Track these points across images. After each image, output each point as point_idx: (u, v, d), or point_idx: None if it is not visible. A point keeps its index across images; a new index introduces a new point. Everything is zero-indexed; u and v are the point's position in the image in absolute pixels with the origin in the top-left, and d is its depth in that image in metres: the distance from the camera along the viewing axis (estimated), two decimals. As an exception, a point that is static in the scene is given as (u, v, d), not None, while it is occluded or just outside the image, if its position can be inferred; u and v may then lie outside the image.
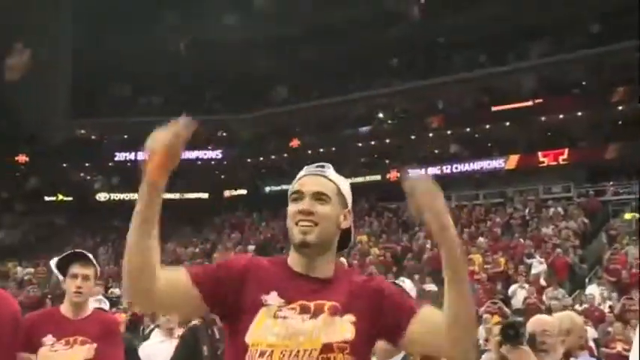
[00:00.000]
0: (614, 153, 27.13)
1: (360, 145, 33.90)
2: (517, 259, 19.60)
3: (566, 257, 19.16)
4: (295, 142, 34.96)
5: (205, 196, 36.86)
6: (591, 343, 11.49)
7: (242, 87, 35.70)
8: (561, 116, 29.48)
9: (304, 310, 2.25)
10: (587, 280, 18.66)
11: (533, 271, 18.18)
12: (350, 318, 2.26)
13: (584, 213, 23.31)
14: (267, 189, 35.34)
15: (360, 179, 31.39)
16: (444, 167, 30.76)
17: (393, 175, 31.13)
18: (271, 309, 2.24)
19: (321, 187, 2.39)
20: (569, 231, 21.25)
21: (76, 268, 4.17)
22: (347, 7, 31.43)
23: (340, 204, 2.41)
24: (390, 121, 33.76)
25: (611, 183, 26.25)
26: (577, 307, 14.65)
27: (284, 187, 34.29)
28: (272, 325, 2.22)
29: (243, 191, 36.33)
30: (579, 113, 28.99)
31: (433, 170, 29.79)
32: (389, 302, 2.34)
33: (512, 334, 3.64)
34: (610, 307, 14.65)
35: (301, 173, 2.46)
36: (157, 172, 2.13)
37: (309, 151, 34.57)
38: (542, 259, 18.91)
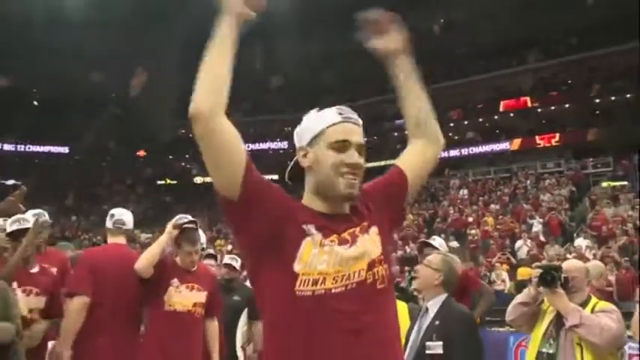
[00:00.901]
0: (593, 136, 27.08)
1: (396, 134, 33.51)
2: (521, 220, 19.50)
3: (559, 217, 18.96)
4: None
5: (276, 177, 37.23)
6: None
7: (298, 90, 35.56)
8: (553, 108, 29.39)
9: (342, 241, 1.85)
10: (575, 234, 18.27)
11: (534, 229, 18.07)
12: (374, 230, 1.94)
13: (572, 183, 23.19)
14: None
15: (394, 161, 32.16)
16: (462, 150, 30.83)
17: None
18: (316, 239, 1.82)
19: (363, 139, 2.00)
20: (561, 197, 21.20)
21: (189, 247, 4.32)
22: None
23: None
24: (414, 116, 33.81)
25: (591, 159, 25.90)
26: (568, 255, 14.15)
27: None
28: (320, 253, 1.81)
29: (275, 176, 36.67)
30: (567, 105, 28.93)
31: (454, 152, 30.36)
32: (386, 193, 2.07)
33: (549, 279, 3.46)
34: (593, 254, 14.35)
35: (335, 117, 1.95)
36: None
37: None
38: (541, 220, 18.80)
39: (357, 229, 1.90)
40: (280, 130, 37.21)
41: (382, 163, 32.50)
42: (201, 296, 4.38)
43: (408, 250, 18.17)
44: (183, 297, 4.30)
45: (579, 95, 28.50)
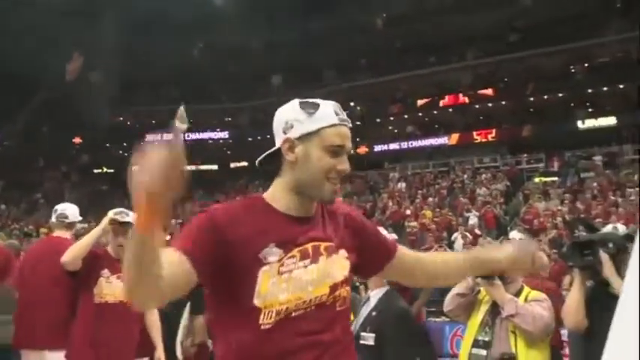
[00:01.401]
0: (527, 132, 27.80)
1: (337, 127, 34.15)
2: (458, 213, 19.75)
3: (494, 211, 19.33)
4: (287, 124, 35.26)
5: (215, 167, 36.77)
6: None
7: (243, 81, 35.50)
8: (490, 105, 29.97)
9: (304, 256, 1.78)
10: (509, 227, 17.73)
11: (470, 222, 18.28)
12: (344, 253, 1.88)
13: (507, 178, 23.60)
14: (264, 162, 35.58)
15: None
16: (402, 144, 31.20)
17: (362, 149, 31.43)
18: (273, 267, 1.73)
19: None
20: (496, 191, 21.55)
21: (123, 241, 4.19)
22: (328, 18, 31.52)
23: None
24: (358, 108, 33.63)
25: (525, 155, 26.57)
26: None
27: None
28: (278, 282, 1.73)
29: (245, 163, 35.81)
30: (503, 102, 29.68)
31: (394, 146, 30.86)
32: (371, 241, 2.02)
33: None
34: None
35: (333, 117, 1.84)
36: (149, 221, 1.45)
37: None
38: (477, 213, 19.12)
39: (323, 245, 1.84)
40: (221, 120, 36.83)
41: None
42: None
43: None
44: (114, 287, 4.20)
45: (515, 93, 29.25)
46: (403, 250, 2.12)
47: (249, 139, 36.46)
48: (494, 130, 28.84)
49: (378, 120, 32.41)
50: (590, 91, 27.57)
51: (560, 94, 28.21)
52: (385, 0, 30.58)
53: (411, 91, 32.10)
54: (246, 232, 1.75)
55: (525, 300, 3.57)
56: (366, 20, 31.70)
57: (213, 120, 36.74)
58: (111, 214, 4.31)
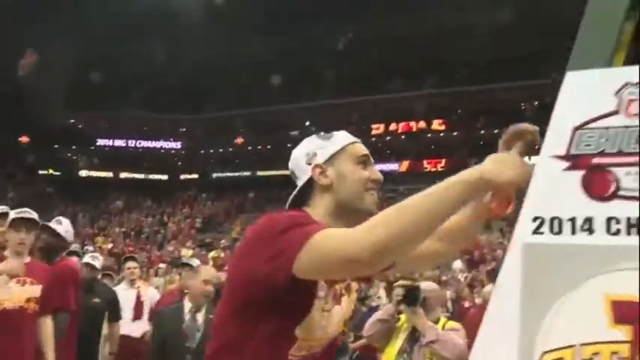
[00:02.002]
0: (476, 164, 28.52)
1: (289, 145, 34.18)
2: None
3: None
4: (240, 140, 35.31)
5: (165, 177, 36.43)
6: (449, 302, 12.96)
7: (199, 92, 35.46)
8: (442, 135, 30.87)
9: (335, 297, 1.78)
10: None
11: None
12: (355, 286, 1.90)
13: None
14: (215, 175, 35.36)
15: (287, 172, 32.01)
16: None
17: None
18: (320, 302, 1.70)
19: None
20: None
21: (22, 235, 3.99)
22: (291, 37, 31.82)
23: None
24: (313, 129, 34.22)
25: None
26: (443, 277, 14.17)
27: (228, 174, 35.03)
28: (319, 319, 1.70)
29: (196, 175, 36.03)
30: (455, 133, 30.54)
31: None
32: None
33: (412, 298, 3.65)
34: (465, 277, 14.85)
35: (351, 136, 1.89)
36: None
37: (250, 148, 35.28)
38: None
39: (354, 287, 1.86)
40: (175, 130, 36.55)
41: (274, 172, 33.02)
42: (34, 290, 4.02)
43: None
44: (12, 293, 3.95)
45: (467, 125, 29.98)
46: None
47: (202, 151, 36.33)
48: (444, 160, 29.48)
49: (330, 142, 32.47)
50: (538, 128, 28.25)
51: (510, 130, 29.02)
52: (349, 24, 30.98)
53: (366, 116, 32.50)
54: None
55: (443, 328, 3.74)
56: (327, 42, 32.05)
57: (166, 129, 36.46)
58: (13, 214, 4.10)
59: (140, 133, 36.42)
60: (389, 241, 1.44)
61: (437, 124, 30.81)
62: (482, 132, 29.67)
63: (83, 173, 35.62)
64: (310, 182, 1.85)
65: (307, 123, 33.55)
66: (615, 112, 1.26)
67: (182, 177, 36.21)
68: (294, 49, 32.12)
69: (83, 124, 36.93)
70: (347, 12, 29.58)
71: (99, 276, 6.18)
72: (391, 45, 30.00)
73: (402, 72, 30.84)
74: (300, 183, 1.88)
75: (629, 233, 1.18)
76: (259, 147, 35.11)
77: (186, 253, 20.59)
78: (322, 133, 1.92)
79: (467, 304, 11.27)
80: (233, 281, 1.75)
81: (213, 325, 1.86)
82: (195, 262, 5.89)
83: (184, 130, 37.07)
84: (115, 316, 5.67)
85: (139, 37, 31.22)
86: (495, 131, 29.07)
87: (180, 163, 36.92)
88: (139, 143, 36.63)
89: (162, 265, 15.57)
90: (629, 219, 1.18)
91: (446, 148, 30.36)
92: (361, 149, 1.85)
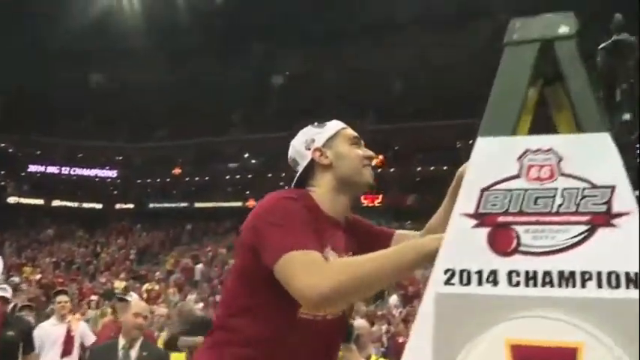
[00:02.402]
0: (412, 201, 28.96)
1: (227, 177, 34.03)
2: None
3: None
4: (177, 170, 34.96)
5: (99, 206, 35.54)
6: (384, 337, 13.04)
7: (137, 121, 35.03)
8: (379, 170, 31.50)
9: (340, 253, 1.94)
10: (386, 292, 18.34)
11: None
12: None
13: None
14: (151, 205, 34.81)
15: (225, 204, 31.88)
16: None
17: (250, 202, 31.61)
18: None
19: None
20: None
21: None
22: (234, 66, 31.93)
23: None
24: (253, 161, 34.25)
25: (409, 222, 27.62)
26: (378, 312, 14.99)
27: (165, 205, 34.53)
28: None
29: (131, 205, 35.35)
30: (392, 169, 30.98)
31: None
32: (370, 234, 2.19)
33: (348, 335, 3.61)
34: (400, 312, 15.19)
35: (341, 123, 2.15)
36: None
37: (187, 178, 34.96)
38: None
39: (347, 256, 1.96)
40: (111, 159, 35.94)
41: (212, 204, 32.82)
42: None
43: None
44: None
45: (403, 162, 30.57)
46: (400, 232, 2.29)
47: (139, 180, 35.75)
48: (380, 196, 29.74)
49: (270, 175, 32.63)
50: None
51: (446, 167, 29.77)
52: (290, 58, 31.39)
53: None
54: (314, 227, 1.81)
55: (374, 365, 3.78)
56: (269, 75, 32.38)
57: (102, 157, 35.80)
58: None
59: (75, 160, 35.65)
60: (341, 290, 1.60)
61: (374, 160, 31.30)
62: (419, 169, 30.35)
63: (11, 200, 34.34)
64: (311, 165, 2.06)
65: (246, 155, 33.59)
66: (517, 176, 1.42)
67: (117, 206, 35.44)
68: (235, 80, 32.26)
69: (14, 148, 35.85)
70: (288, 46, 30.01)
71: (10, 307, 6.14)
72: (331, 80, 30.52)
73: (340, 107, 31.30)
74: (300, 169, 2.09)
75: (527, 285, 1.34)
76: (197, 178, 34.84)
77: (119, 284, 20.18)
78: (316, 123, 2.15)
79: (401, 340, 11.42)
80: (243, 247, 1.87)
81: (223, 296, 2.01)
82: (133, 296, 5.87)
83: (121, 158, 36.48)
84: (29, 347, 5.58)
85: (77, 62, 30.82)
86: (431, 168, 29.91)
87: (115, 192, 36.20)
88: (73, 171, 35.81)
89: (94, 297, 15.26)
90: (527, 272, 1.34)
91: (383, 184, 30.83)
92: (352, 132, 2.11)
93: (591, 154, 1.41)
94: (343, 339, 2.16)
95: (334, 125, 2.13)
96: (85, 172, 35.86)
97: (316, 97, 31.49)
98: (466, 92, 28.11)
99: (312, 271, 1.62)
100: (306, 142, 2.09)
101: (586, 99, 1.48)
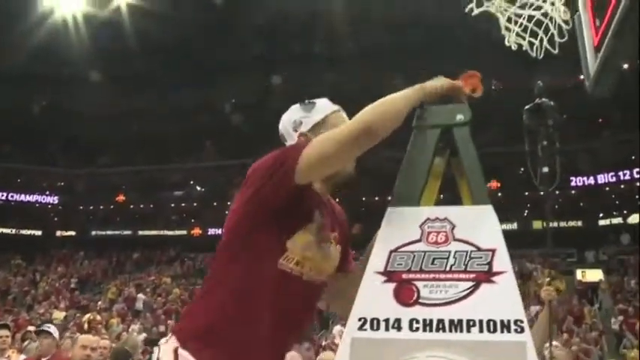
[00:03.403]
0: (358, 230, 29.75)
1: (172, 205, 33.73)
2: None
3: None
4: (121, 197, 34.51)
5: (39, 233, 34.35)
6: None
7: (80, 146, 34.67)
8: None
9: (332, 237, 2.09)
10: (331, 321, 18.90)
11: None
12: (339, 248, 2.16)
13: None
14: (94, 233, 34.10)
15: (170, 232, 31.77)
16: None
17: (196, 231, 31.72)
18: (316, 227, 1.99)
19: None
20: None
21: None
22: (184, 94, 32.00)
23: None
24: (198, 189, 34.16)
25: (354, 251, 28.07)
26: (323, 342, 14.57)
27: (108, 232, 34.00)
28: (311, 242, 1.95)
29: (73, 232, 34.35)
30: (336, 199, 31.57)
31: None
32: (345, 248, 2.26)
33: None
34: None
35: (333, 105, 2.18)
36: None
37: (132, 206, 34.55)
38: None
39: (333, 236, 2.10)
40: (52, 184, 35.28)
41: (156, 232, 32.52)
42: None
43: (171, 323, 18.12)
44: None
45: (349, 190, 30.93)
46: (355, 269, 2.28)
47: (81, 207, 35.13)
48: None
49: (215, 204, 32.59)
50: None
51: (390, 197, 30.36)
52: (239, 85, 31.64)
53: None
54: (311, 193, 1.99)
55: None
56: (216, 102, 32.54)
57: (43, 182, 35.08)
58: None
59: (13, 185, 34.79)
60: (375, 119, 1.84)
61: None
62: (364, 198, 30.86)
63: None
64: None
65: (192, 183, 33.54)
66: (419, 240, 1.76)
67: (58, 233, 34.64)
68: (183, 108, 32.33)
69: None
70: (235, 76, 30.27)
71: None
72: (281, 109, 30.78)
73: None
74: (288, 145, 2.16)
75: (424, 330, 1.66)
76: (142, 205, 34.46)
77: (58, 315, 19.75)
78: (306, 101, 2.18)
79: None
80: (236, 210, 2.01)
81: (217, 248, 2.09)
82: (51, 327, 5.80)
83: (63, 184, 35.82)
84: None
85: (20, 86, 30.36)
86: (376, 198, 30.47)
87: (56, 219, 35.42)
88: (11, 196, 34.91)
89: (31, 328, 14.92)
90: (425, 320, 1.67)
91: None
92: (338, 119, 2.11)
93: (478, 223, 1.75)
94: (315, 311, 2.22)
95: (323, 109, 2.14)
96: (24, 197, 34.96)
97: (264, 126, 31.79)
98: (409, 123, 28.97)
99: (339, 131, 1.88)
100: (294, 123, 2.14)
101: (476, 176, 1.83)
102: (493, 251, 1.70)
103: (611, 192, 28.58)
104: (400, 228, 1.79)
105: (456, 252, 1.72)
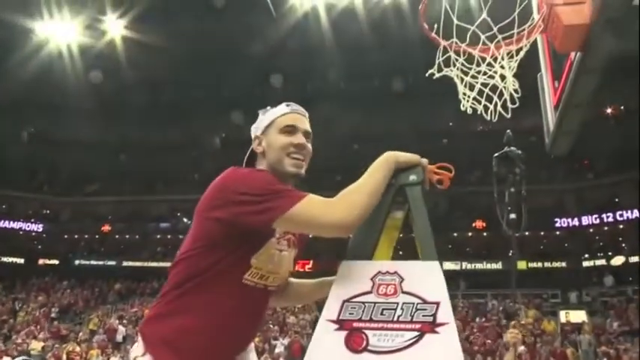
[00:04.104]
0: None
1: (159, 237, 33.65)
2: (265, 340, 19.65)
3: (300, 341, 19.30)
4: (107, 227, 34.41)
5: (21, 261, 34.10)
6: None
7: (67, 175, 34.84)
8: (310, 236, 31.91)
9: (289, 241, 2.20)
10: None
11: (277, 350, 18.54)
12: (295, 252, 2.28)
13: (317, 308, 23.53)
14: (77, 262, 33.88)
15: (155, 264, 31.43)
16: None
17: (180, 265, 31.69)
18: (275, 240, 2.12)
19: (309, 127, 2.27)
20: (305, 321, 22.12)
21: None
22: (163, 131, 32.22)
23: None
24: (185, 220, 34.09)
25: None
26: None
27: (92, 262, 33.77)
28: (274, 255, 2.11)
29: (56, 261, 34.04)
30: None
31: None
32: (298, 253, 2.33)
33: None
34: None
35: (285, 108, 2.26)
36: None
37: (117, 236, 34.46)
38: (285, 341, 19.21)
39: (292, 239, 2.22)
40: (37, 212, 35.12)
41: (141, 263, 32.32)
42: None
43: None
44: None
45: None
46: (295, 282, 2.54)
47: (65, 236, 34.92)
48: (311, 262, 30.19)
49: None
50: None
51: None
52: (225, 120, 31.84)
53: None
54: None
55: None
56: (203, 137, 32.71)
57: (28, 210, 34.93)
58: None
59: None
60: (363, 206, 1.96)
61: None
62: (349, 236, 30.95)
63: None
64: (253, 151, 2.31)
65: (178, 214, 33.49)
66: (370, 292, 1.91)
67: (41, 262, 34.36)
68: (171, 140, 32.52)
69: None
70: (222, 110, 30.51)
71: None
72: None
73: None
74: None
75: (371, 376, 1.80)
76: (127, 236, 34.37)
77: (36, 345, 19.55)
78: (268, 108, 2.31)
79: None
80: (206, 219, 2.10)
81: (176, 259, 2.17)
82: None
83: (48, 212, 35.66)
84: None
85: (8, 114, 30.46)
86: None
87: (40, 247, 35.18)
88: (-7, 223, 34.65)
89: (7, 359, 14.81)
90: (372, 366, 1.81)
91: (313, 250, 31.16)
92: (288, 120, 2.23)
93: (425, 277, 1.91)
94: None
95: (274, 112, 2.27)
96: (8, 224, 34.71)
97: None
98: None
99: (331, 207, 1.96)
100: (255, 129, 2.30)
101: (425, 233, 1.99)
102: (438, 304, 1.85)
103: (594, 234, 28.85)
104: (353, 280, 1.94)
105: (403, 303, 1.87)
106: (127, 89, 29.65)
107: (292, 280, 2.51)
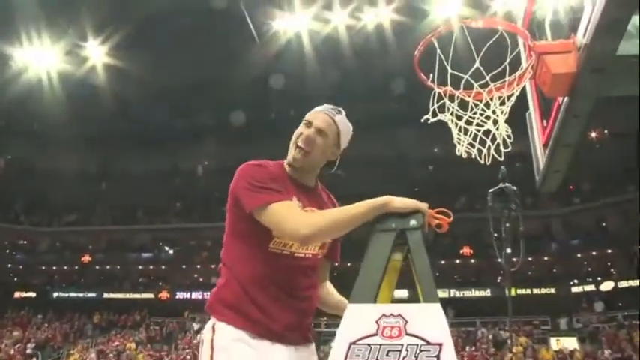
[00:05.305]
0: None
1: (140, 267, 33.41)
2: None
3: None
4: (86, 258, 34.04)
5: None
6: None
7: (45, 204, 34.64)
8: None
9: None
10: None
11: None
12: None
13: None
14: (55, 294, 33.30)
15: (136, 295, 31.29)
16: (205, 293, 30.13)
17: (163, 294, 31.38)
18: (295, 204, 2.41)
19: (326, 125, 2.50)
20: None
21: None
22: (145, 159, 32.25)
23: (335, 144, 2.54)
24: (167, 249, 33.69)
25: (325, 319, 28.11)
26: None
27: (71, 294, 33.31)
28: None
29: (33, 294, 33.44)
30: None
31: (197, 295, 30.49)
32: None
33: None
34: None
35: (319, 108, 2.56)
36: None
37: (97, 267, 34.12)
38: None
39: (311, 209, 2.48)
40: (14, 243, 34.73)
41: (122, 295, 31.97)
42: None
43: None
44: None
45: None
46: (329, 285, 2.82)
47: (43, 267, 34.52)
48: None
49: (184, 266, 32.36)
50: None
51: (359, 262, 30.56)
52: (208, 151, 31.98)
53: (219, 240, 32.64)
54: (282, 185, 2.43)
55: None
56: (186, 165, 32.76)
57: (4, 240, 34.50)
58: None
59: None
60: (321, 227, 2.26)
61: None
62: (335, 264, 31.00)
63: None
64: None
65: (160, 243, 33.37)
66: (375, 334, 2.04)
67: (17, 295, 33.83)
68: (153, 169, 32.52)
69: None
70: (206, 139, 30.67)
71: None
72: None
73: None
74: None
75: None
76: (108, 266, 34.03)
77: (12, 383, 19.27)
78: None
79: None
80: (228, 208, 2.55)
81: (222, 253, 2.62)
82: None
83: (25, 242, 35.27)
84: None
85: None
86: (349, 264, 30.54)
87: (16, 279, 34.66)
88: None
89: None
90: (379, 406, 1.93)
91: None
92: (309, 115, 2.56)
93: (427, 319, 2.04)
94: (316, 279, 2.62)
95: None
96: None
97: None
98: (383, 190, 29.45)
99: (294, 217, 2.29)
100: None
101: (426, 276, 2.12)
102: (440, 345, 1.98)
103: (582, 259, 29.12)
104: (359, 322, 2.07)
105: (408, 345, 2.00)
106: (107, 117, 29.71)
107: (329, 287, 2.80)
